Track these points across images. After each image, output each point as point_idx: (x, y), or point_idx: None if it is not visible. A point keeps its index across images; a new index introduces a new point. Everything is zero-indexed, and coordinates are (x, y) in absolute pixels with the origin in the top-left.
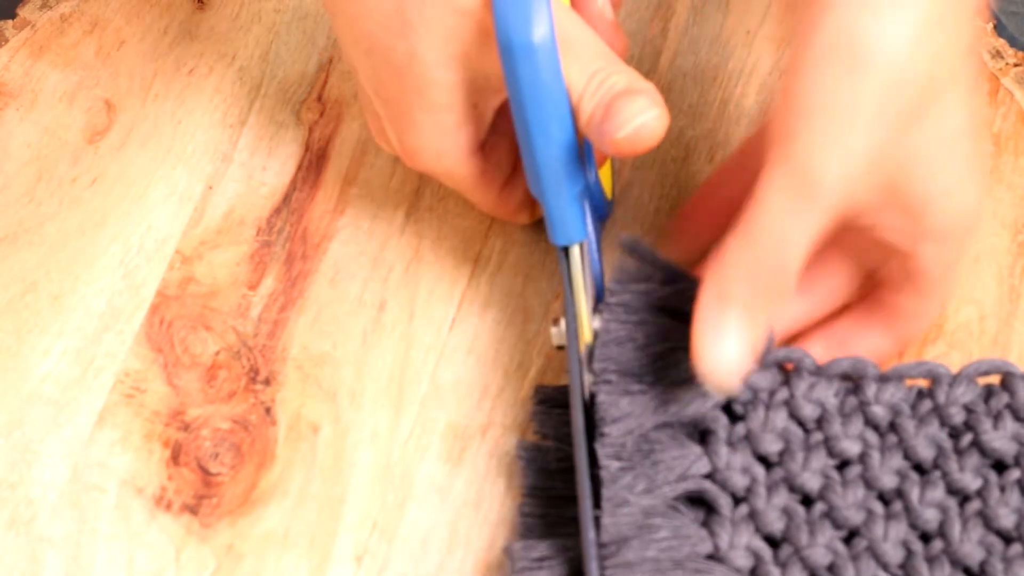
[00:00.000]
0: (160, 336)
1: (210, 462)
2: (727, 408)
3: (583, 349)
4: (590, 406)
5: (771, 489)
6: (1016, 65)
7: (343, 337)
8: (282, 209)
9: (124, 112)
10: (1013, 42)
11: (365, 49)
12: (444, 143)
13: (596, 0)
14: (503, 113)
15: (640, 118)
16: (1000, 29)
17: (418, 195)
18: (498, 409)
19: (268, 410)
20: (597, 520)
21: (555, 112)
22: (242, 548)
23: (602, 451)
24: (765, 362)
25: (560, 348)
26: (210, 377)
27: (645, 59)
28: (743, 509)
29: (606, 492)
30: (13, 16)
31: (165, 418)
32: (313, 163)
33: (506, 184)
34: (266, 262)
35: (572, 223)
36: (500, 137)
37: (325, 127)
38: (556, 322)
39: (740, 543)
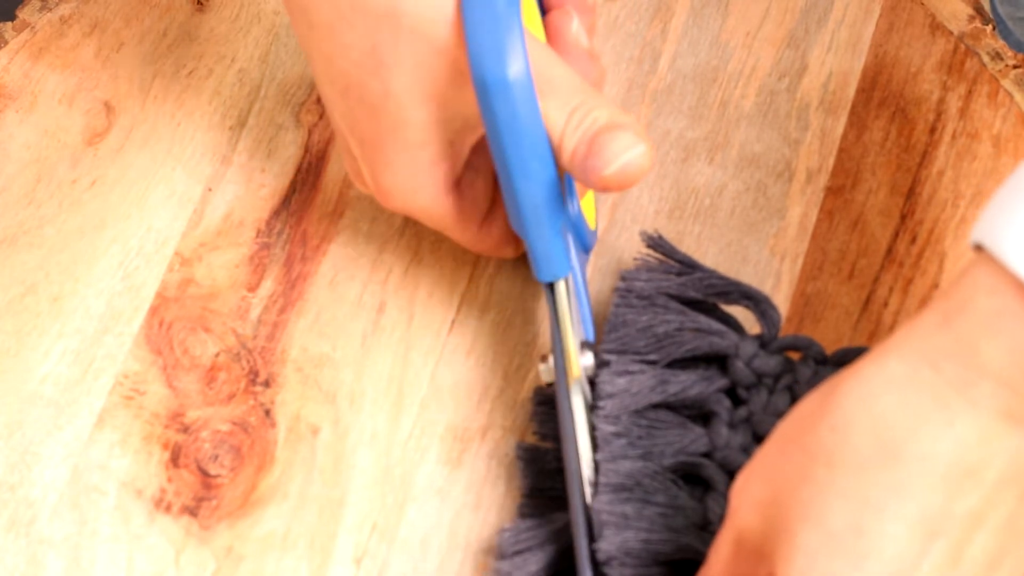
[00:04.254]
0: (160, 338)
1: (210, 464)
2: (730, 392)
3: (571, 384)
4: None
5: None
6: (1016, 67)
7: (343, 339)
8: (281, 211)
9: (123, 114)
10: (1020, 47)
11: (340, 89)
12: (418, 181)
13: (571, 29)
14: (479, 150)
15: (627, 155)
16: (1006, 34)
17: None
18: (497, 411)
19: (268, 412)
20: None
21: (534, 149)
22: (242, 550)
23: (598, 422)
24: (771, 349)
25: (549, 385)
26: (210, 379)
27: (645, 60)
28: None
29: (601, 452)
30: (12, 18)
31: (165, 420)
32: (313, 165)
33: (485, 220)
34: (265, 264)
35: (556, 259)
36: (476, 174)
37: (324, 129)
38: (544, 359)
39: None
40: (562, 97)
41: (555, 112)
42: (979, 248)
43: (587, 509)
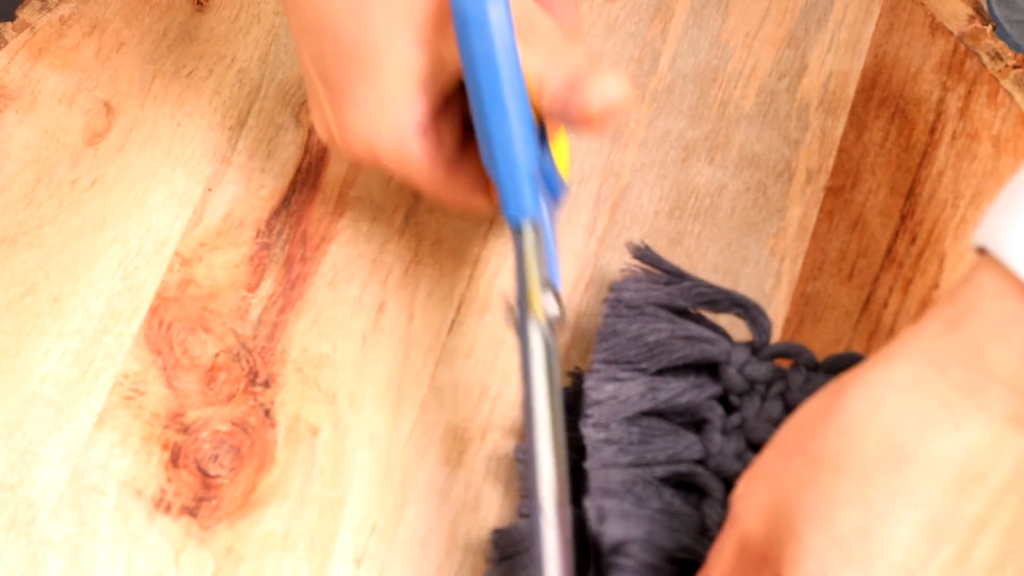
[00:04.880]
0: (159, 338)
1: (209, 464)
2: (723, 400)
3: (530, 320)
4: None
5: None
6: (1015, 67)
7: (342, 339)
8: (281, 211)
9: (123, 114)
10: (1019, 49)
11: (317, 29)
12: (386, 120)
13: None
14: (450, 97)
15: (614, 92)
16: (1003, 36)
17: (417, 197)
18: (497, 411)
19: (267, 412)
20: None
21: (510, 85)
22: (241, 550)
23: (584, 429)
24: (762, 356)
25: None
26: (209, 379)
27: (645, 60)
28: None
29: (590, 460)
30: (12, 18)
31: (164, 420)
32: (312, 165)
33: (453, 165)
34: (265, 264)
35: (525, 197)
36: (445, 120)
37: None
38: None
39: None
40: (541, 40)
41: (534, 55)
42: (982, 251)
43: (544, 445)
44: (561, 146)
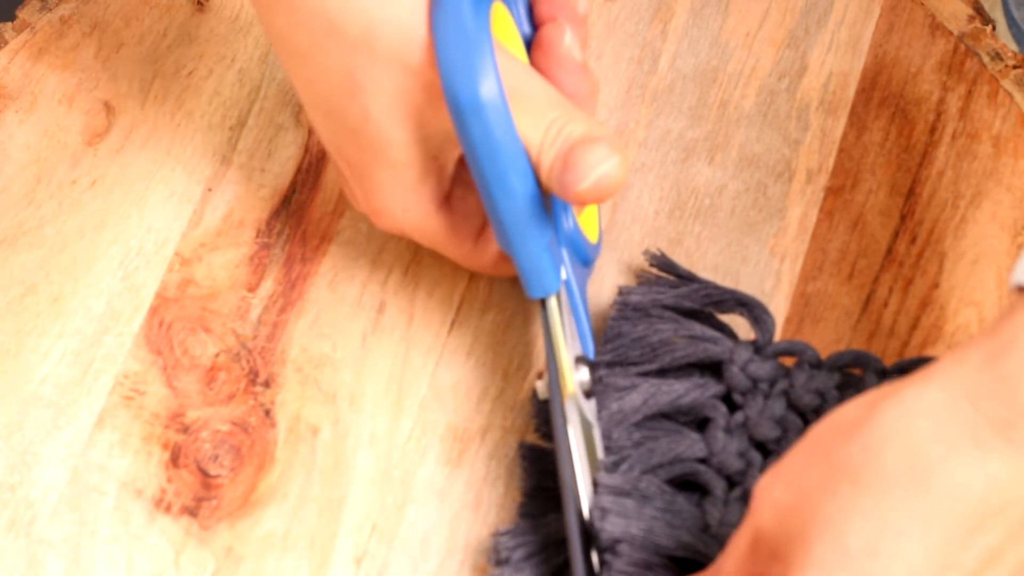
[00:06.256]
0: (159, 338)
1: (209, 464)
2: (726, 399)
3: (566, 401)
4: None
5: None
6: (1016, 67)
7: (342, 339)
8: (281, 211)
9: (123, 114)
10: None
11: (323, 112)
12: (408, 199)
13: (563, 43)
14: (466, 166)
15: (601, 168)
16: (1020, 38)
17: None
18: (497, 411)
19: (268, 412)
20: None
21: (512, 166)
22: (241, 550)
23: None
24: (766, 354)
25: (545, 402)
26: (209, 379)
27: (645, 60)
28: (737, 491)
29: (601, 479)
30: (12, 18)
31: (164, 420)
32: (312, 165)
33: (480, 236)
34: (265, 264)
35: (544, 275)
36: (467, 189)
37: None
38: (541, 376)
39: (731, 521)
40: (537, 113)
41: (531, 129)
42: (1022, 290)
43: (583, 524)
44: (591, 207)
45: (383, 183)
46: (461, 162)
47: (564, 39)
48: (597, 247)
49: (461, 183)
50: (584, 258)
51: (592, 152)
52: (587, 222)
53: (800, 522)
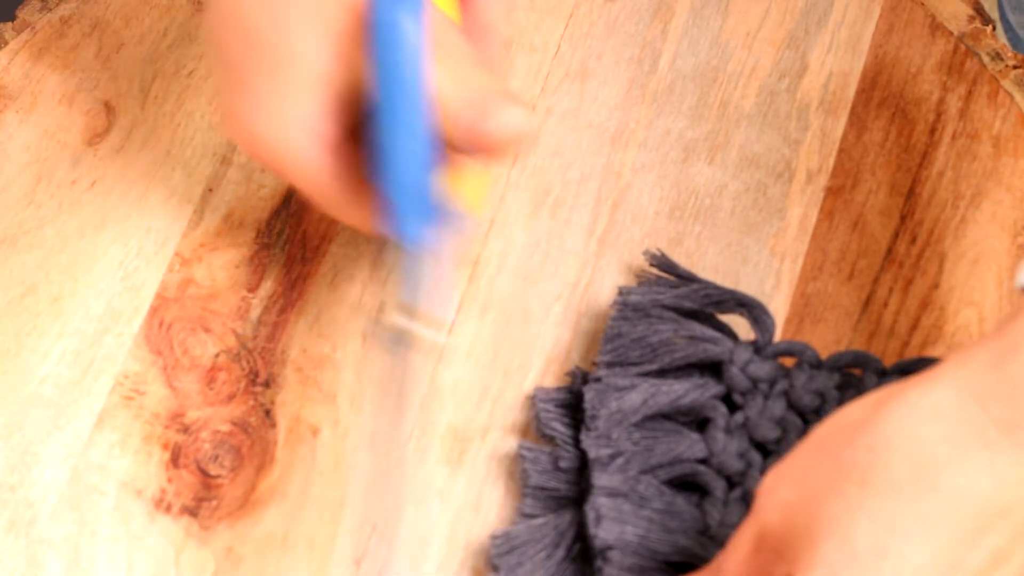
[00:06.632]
0: (159, 338)
1: (210, 464)
2: (726, 399)
3: (383, 335)
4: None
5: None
6: (1016, 67)
7: (343, 339)
8: (281, 211)
9: (123, 114)
10: None
11: (230, 18)
12: (279, 115)
13: (490, 10)
14: (358, 118)
15: (516, 122)
16: (1016, 43)
17: None
18: (498, 411)
19: (268, 412)
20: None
21: (410, 95)
22: (242, 551)
23: (586, 442)
24: (766, 354)
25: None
26: (210, 379)
27: (645, 60)
28: (737, 492)
29: (594, 469)
30: (12, 18)
31: (164, 420)
32: None
33: (348, 181)
34: (265, 264)
35: (407, 215)
36: (349, 137)
37: None
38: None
39: (731, 522)
40: (455, 60)
41: (445, 76)
42: None
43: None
44: (475, 179)
45: (262, 96)
46: (347, 101)
47: (491, 7)
48: (463, 217)
49: (344, 125)
50: (443, 218)
51: (510, 106)
52: (472, 190)
53: (806, 521)
